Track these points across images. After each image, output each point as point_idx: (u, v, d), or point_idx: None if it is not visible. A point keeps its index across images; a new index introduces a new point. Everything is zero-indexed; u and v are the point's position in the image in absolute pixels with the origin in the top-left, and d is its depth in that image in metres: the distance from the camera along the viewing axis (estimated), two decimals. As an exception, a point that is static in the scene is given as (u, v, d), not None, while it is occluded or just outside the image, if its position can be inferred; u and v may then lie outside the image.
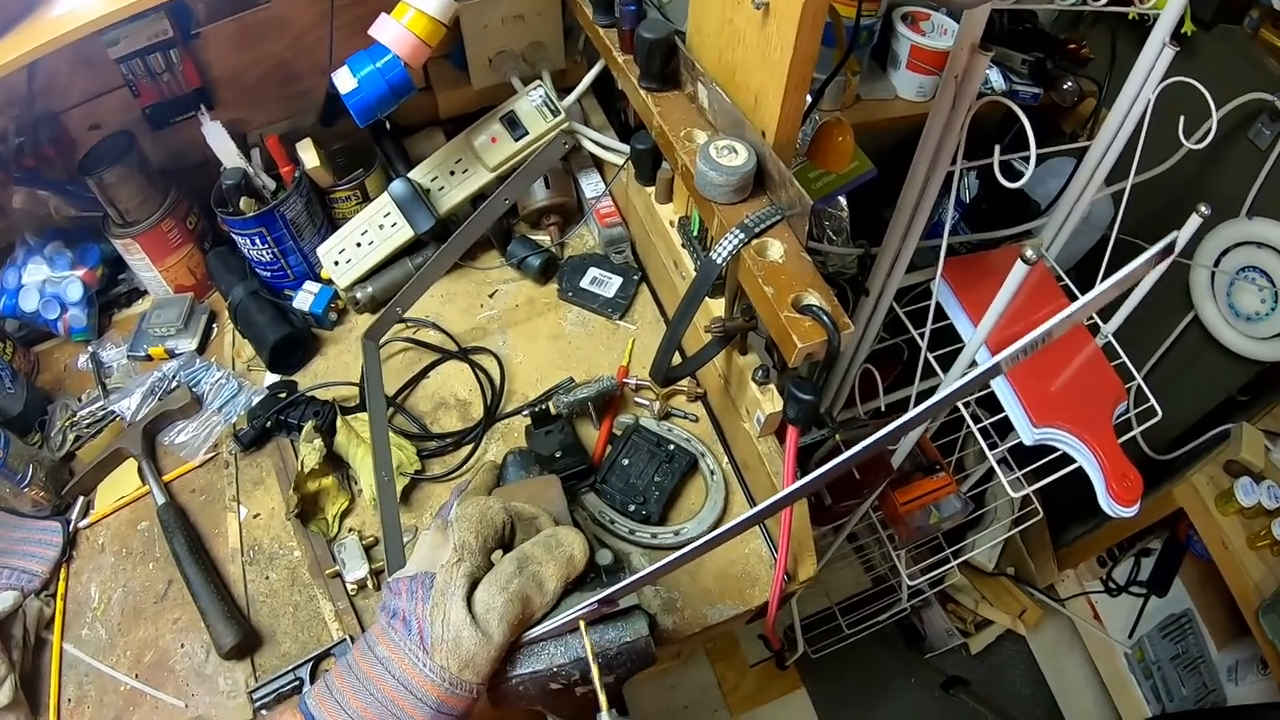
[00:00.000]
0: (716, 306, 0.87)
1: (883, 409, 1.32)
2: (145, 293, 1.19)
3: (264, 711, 0.82)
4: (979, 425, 1.13)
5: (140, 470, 0.99)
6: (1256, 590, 1.36)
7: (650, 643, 0.64)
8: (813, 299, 0.67)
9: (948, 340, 1.15)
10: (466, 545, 0.55)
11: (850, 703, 1.90)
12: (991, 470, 1.16)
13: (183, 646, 0.87)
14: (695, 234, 0.92)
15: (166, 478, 0.99)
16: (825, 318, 0.64)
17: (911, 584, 1.47)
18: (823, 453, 1.19)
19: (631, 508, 0.90)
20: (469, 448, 0.98)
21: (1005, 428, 1.12)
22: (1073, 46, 1.44)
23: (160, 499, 0.95)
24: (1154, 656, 1.78)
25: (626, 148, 1.07)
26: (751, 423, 0.88)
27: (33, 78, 1.03)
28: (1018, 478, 1.10)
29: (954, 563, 1.55)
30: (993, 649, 2.00)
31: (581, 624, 0.58)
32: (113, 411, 1.06)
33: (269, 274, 1.12)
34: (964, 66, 0.87)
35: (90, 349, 1.13)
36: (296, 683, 0.83)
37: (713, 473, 0.93)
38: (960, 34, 0.87)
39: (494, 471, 0.74)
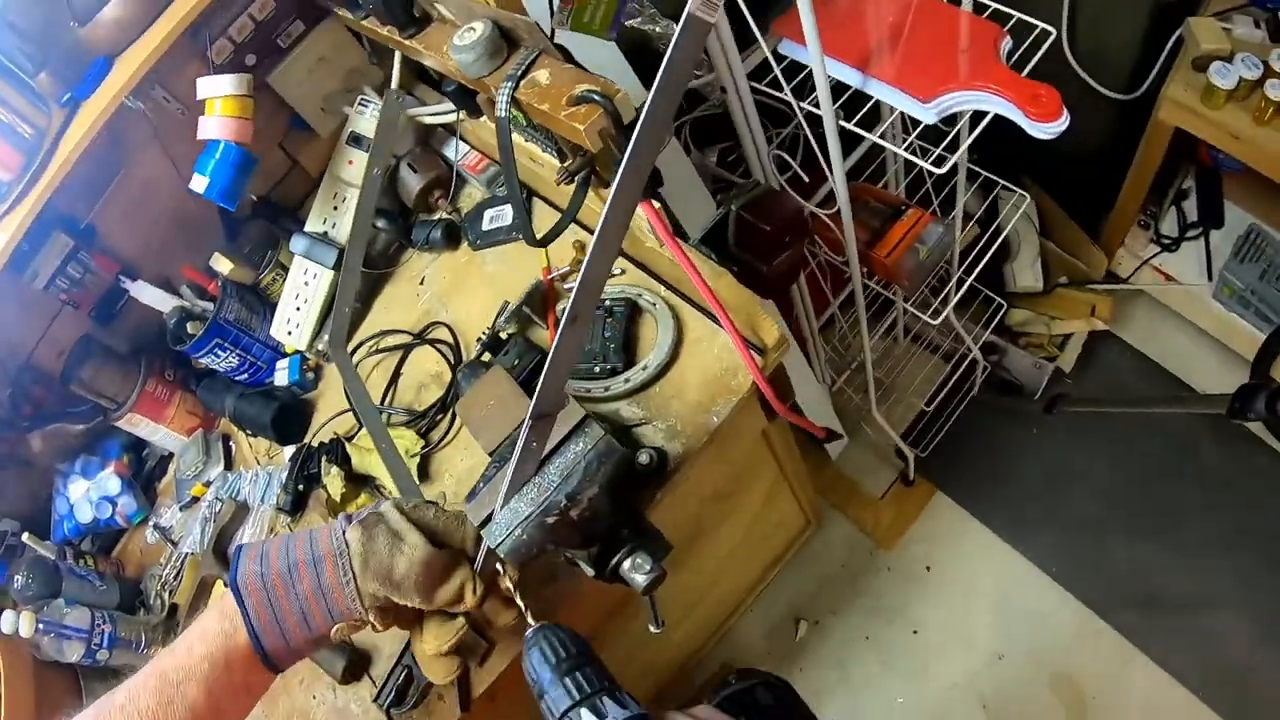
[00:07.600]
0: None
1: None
2: (171, 455, 1.32)
3: (394, 710, 0.91)
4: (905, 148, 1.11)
5: (224, 581, 1.10)
6: (1291, 156, 1.29)
7: (613, 441, 0.70)
8: (584, 88, 0.72)
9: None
10: None
11: (987, 479, 1.85)
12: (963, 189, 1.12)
13: (315, 698, 0.98)
14: (525, 123, 0.97)
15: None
16: (596, 96, 0.70)
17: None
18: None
19: (597, 369, 0.96)
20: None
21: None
22: None
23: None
24: (1242, 284, 1.70)
25: (453, 105, 1.15)
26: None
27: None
28: (941, 153, 1.07)
29: (999, 298, 1.51)
30: (1086, 359, 1.92)
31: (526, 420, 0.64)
32: (186, 553, 1.18)
33: (246, 375, 1.24)
34: None
35: (151, 523, 1.27)
36: (405, 670, 0.91)
37: (654, 304, 0.98)
38: None
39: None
